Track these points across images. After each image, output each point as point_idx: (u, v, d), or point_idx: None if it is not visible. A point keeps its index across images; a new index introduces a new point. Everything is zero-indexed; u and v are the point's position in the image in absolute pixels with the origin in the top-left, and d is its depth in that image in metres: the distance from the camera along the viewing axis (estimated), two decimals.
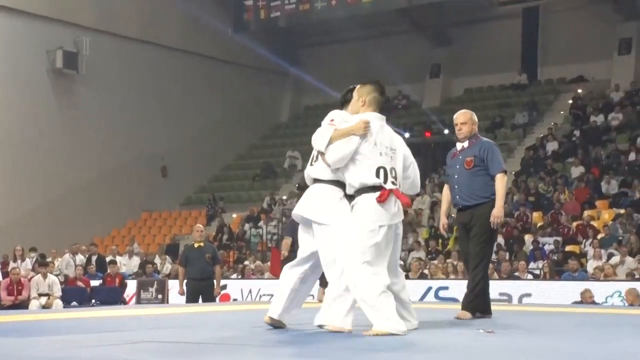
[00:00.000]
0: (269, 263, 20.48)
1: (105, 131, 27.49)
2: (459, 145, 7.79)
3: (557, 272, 17.50)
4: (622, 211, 19.97)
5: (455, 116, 7.84)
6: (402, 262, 15.20)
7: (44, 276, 16.76)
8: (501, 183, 7.56)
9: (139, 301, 17.71)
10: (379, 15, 29.29)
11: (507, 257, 18.21)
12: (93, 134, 27.20)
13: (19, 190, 25.29)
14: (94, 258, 20.98)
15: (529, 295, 15.68)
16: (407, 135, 23.93)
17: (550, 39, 29.32)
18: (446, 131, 26.51)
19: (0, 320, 7.50)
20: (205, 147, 30.23)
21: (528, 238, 20.04)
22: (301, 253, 6.20)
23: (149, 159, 28.72)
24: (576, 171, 22.85)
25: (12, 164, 25.35)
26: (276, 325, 6.18)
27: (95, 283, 18.52)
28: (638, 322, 7.94)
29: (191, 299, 12.99)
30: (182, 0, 28.66)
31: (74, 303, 16.91)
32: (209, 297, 13.06)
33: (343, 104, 6.36)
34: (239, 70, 31.33)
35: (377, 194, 5.83)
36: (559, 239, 19.58)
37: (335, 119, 6.06)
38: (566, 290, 15.11)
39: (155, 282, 18.48)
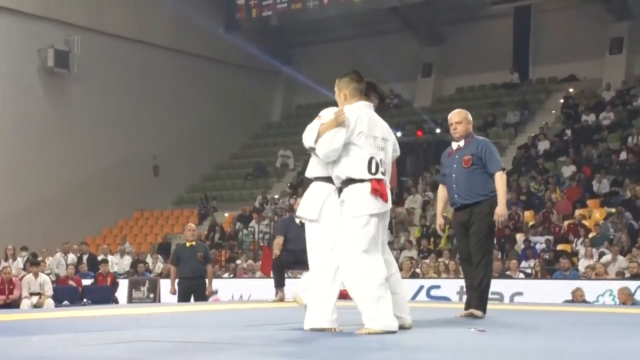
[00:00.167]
0: (260, 262, 20.45)
1: (97, 130, 27.44)
2: (454, 145, 7.78)
3: (548, 271, 17.54)
4: (613, 210, 20.04)
5: (450, 116, 7.83)
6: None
7: (36, 275, 16.71)
8: (501, 181, 7.57)
9: (130, 300, 17.67)
10: (371, 14, 29.31)
11: (499, 256, 18.23)
12: (84, 133, 27.14)
13: (10, 189, 25.22)
14: (85, 257, 20.95)
15: (520, 294, 15.72)
16: (399, 134, 23.91)
17: (541, 39, 29.37)
18: (438, 130, 26.55)
19: None
20: (197, 146, 30.20)
21: (520, 237, 20.08)
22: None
23: (141, 158, 28.67)
24: (567, 170, 22.89)
25: (2, 162, 25.27)
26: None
27: (86, 282, 18.48)
28: (629, 321, 7.96)
29: (183, 298, 12.97)
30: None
31: (66, 302, 16.85)
32: (201, 296, 13.03)
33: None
34: (231, 69, 31.29)
35: (366, 184, 5.81)
36: (551, 238, 19.62)
37: (323, 116, 6.04)
38: (557, 289, 15.16)
39: (147, 281, 18.46)
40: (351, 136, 5.83)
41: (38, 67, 26.31)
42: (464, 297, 8.22)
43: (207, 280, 13.15)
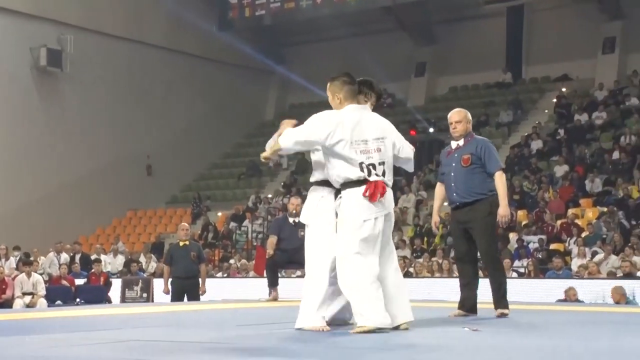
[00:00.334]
0: (253, 261, 20.45)
1: (90, 129, 27.38)
2: (453, 144, 7.79)
3: (541, 270, 17.57)
4: (605, 209, 20.08)
5: (449, 115, 7.84)
6: None
7: (28, 275, 16.68)
8: (501, 181, 7.58)
9: (123, 300, 17.65)
10: (364, 13, 29.32)
11: None
12: (77, 132, 27.08)
13: (3, 189, 25.15)
14: (78, 257, 20.90)
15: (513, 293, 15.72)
16: None
17: (534, 38, 29.43)
18: (431, 129, 26.57)
19: None
20: (191, 145, 30.18)
21: (513, 236, 20.11)
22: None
23: (134, 157, 28.62)
24: (560, 170, 22.94)
25: None
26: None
27: (79, 282, 18.45)
28: (622, 319, 7.98)
29: (176, 297, 12.96)
30: None
31: (59, 302, 16.83)
32: (194, 296, 13.02)
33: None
34: (224, 69, 31.27)
35: (362, 188, 5.82)
36: (544, 237, 19.67)
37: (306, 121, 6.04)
38: (550, 289, 15.18)
39: (140, 280, 18.44)
40: (335, 147, 5.79)
41: (31, 66, 26.24)
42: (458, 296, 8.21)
43: (200, 279, 13.16)
